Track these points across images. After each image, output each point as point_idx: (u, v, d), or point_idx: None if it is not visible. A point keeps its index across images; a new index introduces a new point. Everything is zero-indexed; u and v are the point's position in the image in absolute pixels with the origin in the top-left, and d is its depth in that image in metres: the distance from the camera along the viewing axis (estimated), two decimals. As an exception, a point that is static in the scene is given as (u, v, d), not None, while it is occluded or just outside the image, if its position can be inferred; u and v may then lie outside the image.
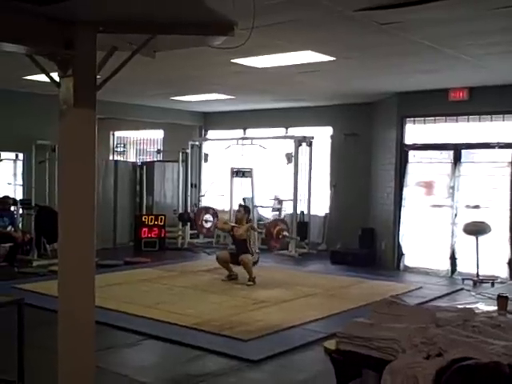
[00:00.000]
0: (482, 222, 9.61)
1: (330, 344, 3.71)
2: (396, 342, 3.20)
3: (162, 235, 12.73)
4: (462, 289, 9.08)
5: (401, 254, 10.77)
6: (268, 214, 13.41)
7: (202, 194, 14.63)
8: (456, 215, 10.21)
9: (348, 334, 3.44)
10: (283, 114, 13.21)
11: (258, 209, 13.45)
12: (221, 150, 14.01)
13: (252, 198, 12.91)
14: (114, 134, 16.73)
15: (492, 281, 9.27)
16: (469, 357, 2.91)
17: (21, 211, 11.41)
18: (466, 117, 10.21)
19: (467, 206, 10.14)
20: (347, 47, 7.03)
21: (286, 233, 11.72)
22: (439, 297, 8.44)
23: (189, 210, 13.72)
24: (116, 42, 3.70)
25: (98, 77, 3.63)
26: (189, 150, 13.92)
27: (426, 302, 7.65)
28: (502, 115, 9.85)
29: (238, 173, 13.05)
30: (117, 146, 16.91)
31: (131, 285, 8.87)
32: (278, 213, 13.10)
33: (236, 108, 13.57)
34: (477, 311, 3.81)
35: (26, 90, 10.85)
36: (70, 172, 3.67)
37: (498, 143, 9.85)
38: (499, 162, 9.89)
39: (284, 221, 12.20)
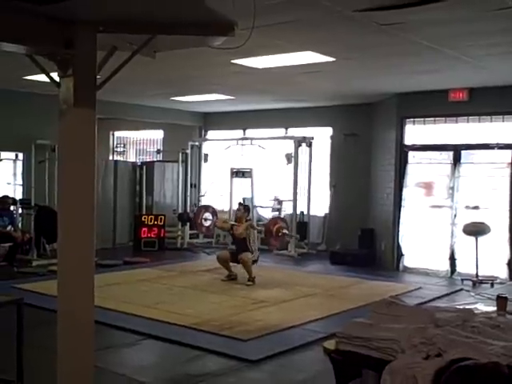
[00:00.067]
0: (482, 223, 9.61)
1: (330, 344, 3.70)
2: (395, 343, 3.20)
3: (162, 235, 12.73)
4: (461, 289, 9.08)
5: (400, 255, 10.78)
6: (268, 215, 13.41)
7: (201, 194, 14.63)
8: (455, 216, 10.22)
9: (347, 334, 3.44)
10: (283, 114, 13.22)
11: (258, 209, 13.46)
12: (220, 150, 14.01)
13: (252, 198, 12.92)
14: (113, 134, 16.73)
15: (491, 281, 9.28)
16: (468, 357, 2.91)
17: (20, 211, 11.40)
18: (466, 117, 10.22)
19: (467, 207, 10.15)
20: (347, 48, 7.03)
21: (285, 230, 11.72)
22: (438, 297, 8.44)
23: (188, 210, 13.73)
24: (116, 41, 3.70)
25: (98, 77, 3.63)
26: (189, 151, 13.93)
27: (426, 302, 7.66)
28: (501, 116, 9.86)
29: (237, 173, 13.07)
30: (117, 146, 16.92)
31: (130, 285, 8.88)
32: (277, 213, 13.11)
33: (236, 108, 13.57)
34: (476, 312, 3.81)
35: (26, 90, 10.85)
36: (70, 172, 3.67)
37: (497, 144, 9.86)
38: (499, 163, 9.90)
39: (283, 219, 12.21)
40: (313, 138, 12.47)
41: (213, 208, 13.40)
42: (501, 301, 4.42)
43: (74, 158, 3.64)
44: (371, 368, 3.31)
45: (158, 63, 5.29)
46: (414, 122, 10.81)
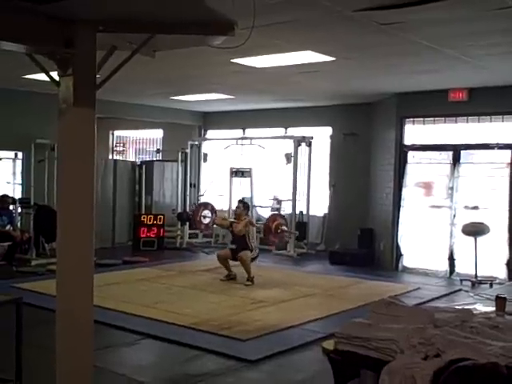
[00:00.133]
0: (481, 223, 9.61)
1: (329, 344, 3.70)
2: (394, 343, 3.20)
3: (161, 235, 12.73)
4: (460, 289, 9.08)
5: (399, 255, 10.78)
6: (267, 214, 13.41)
7: (201, 193, 14.63)
8: (455, 216, 10.22)
9: (346, 334, 3.44)
10: (282, 113, 13.22)
11: (257, 209, 13.46)
12: (220, 149, 14.00)
13: (251, 197, 12.91)
14: (113, 134, 16.74)
15: (490, 282, 9.28)
16: (467, 358, 2.91)
17: (20, 210, 11.39)
18: (466, 117, 10.22)
19: (466, 207, 10.15)
20: (347, 47, 7.03)
21: (284, 227, 11.72)
22: (437, 297, 8.44)
23: (188, 210, 13.73)
24: (116, 41, 3.70)
25: (97, 76, 3.63)
26: (188, 150, 13.92)
27: (425, 302, 7.66)
28: (501, 116, 9.86)
29: (237, 173, 13.07)
30: (116, 146, 16.91)
31: (130, 284, 8.87)
32: (276, 213, 13.09)
33: (235, 108, 13.57)
34: (475, 312, 3.81)
35: (26, 89, 10.85)
36: (69, 171, 3.67)
37: (497, 144, 9.86)
38: (498, 163, 9.90)
39: (283, 216, 12.21)
40: (312, 138, 12.46)
41: (212, 205, 13.40)
42: (500, 301, 4.41)
43: (73, 157, 3.64)
44: (370, 368, 3.31)
45: (157, 62, 5.29)
46: (413, 121, 10.81)
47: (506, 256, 9.65)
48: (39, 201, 11.30)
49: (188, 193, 14.06)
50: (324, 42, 6.79)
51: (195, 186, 14.61)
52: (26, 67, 7.56)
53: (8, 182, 12.18)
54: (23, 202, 11.41)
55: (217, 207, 13.47)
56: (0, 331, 5.05)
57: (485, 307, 6.14)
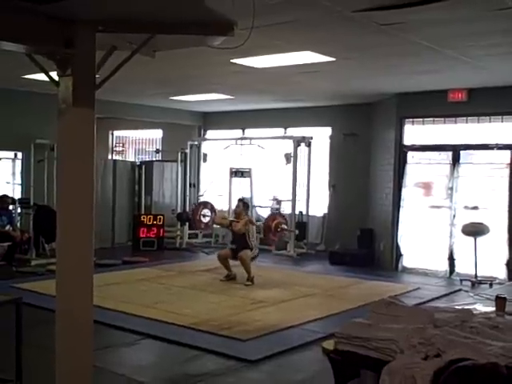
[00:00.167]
0: (481, 223, 9.62)
1: (329, 344, 3.70)
2: (394, 343, 3.20)
3: (161, 235, 12.72)
4: (460, 290, 9.08)
5: (399, 255, 10.78)
6: (266, 214, 13.41)
7: (200, 193, 14.63)
8: (454, 216, 10.22)
9: (346, 334, 3.44)
10: (282, 114, 13.21)
11: (257, 209, 13.46)
12: (220, 149, 14.00)
13: (251, 197, 12.91)
14: (112, 134, 16.73)
15: (490, 282, 9.28)
16: (466, 358, 2.91)
17: (19, 210, 11.40)
18: (465, 118, 10.22)
19: (466, 207, 10.15)
20: (346, 48, 7.03)
21: (284, 226, 11.71)
22: (437, 297, 8.44)
23: (187, 210, 13.72)
24: (115, 41, 3.69)
25: (97, 76, 3.63)
26: (188, 150, 13.92)
27: (424, 302, 7.66)
28: (500, 116, 9.87)
29: (236, 173, 13.07)
30: (116, 146, 16.91)
31: (129, 284, 8.87)
32: (276, 212, 13.10)
33: (235, 108, 13.57)
34: (475, 312, 3.81)
35: (25, 89, 10.84)
36: (69, 171, 3.67)
37: (496, 144, 9.86)
38: (498, 164, 9.91)
39: (282, 215, 12.20)
40: (312, 138, 12.46)
41: (211, 204, 13.40)
42: (499, 301, 4.41)
43: (73, 158, 3.64)
44: (370, 368, 3.31)
45: (157, 62, 5.29)
46: (413, 122, 10.81)
47: (505, 256, 9.65)
48: (39, 201, 11.30)
49: (188, 193, 14.06)
50: (324, 43, 6.79)
51: (195, 186, 14.60)
52: (25, 67, 7.55)
53: (8, 182, 12.18)
54: (23, 202, 11.41)
55: (217, 207, 13.47)
56: (0, 331, 5.05)
57: (485, 307, 6.14)
